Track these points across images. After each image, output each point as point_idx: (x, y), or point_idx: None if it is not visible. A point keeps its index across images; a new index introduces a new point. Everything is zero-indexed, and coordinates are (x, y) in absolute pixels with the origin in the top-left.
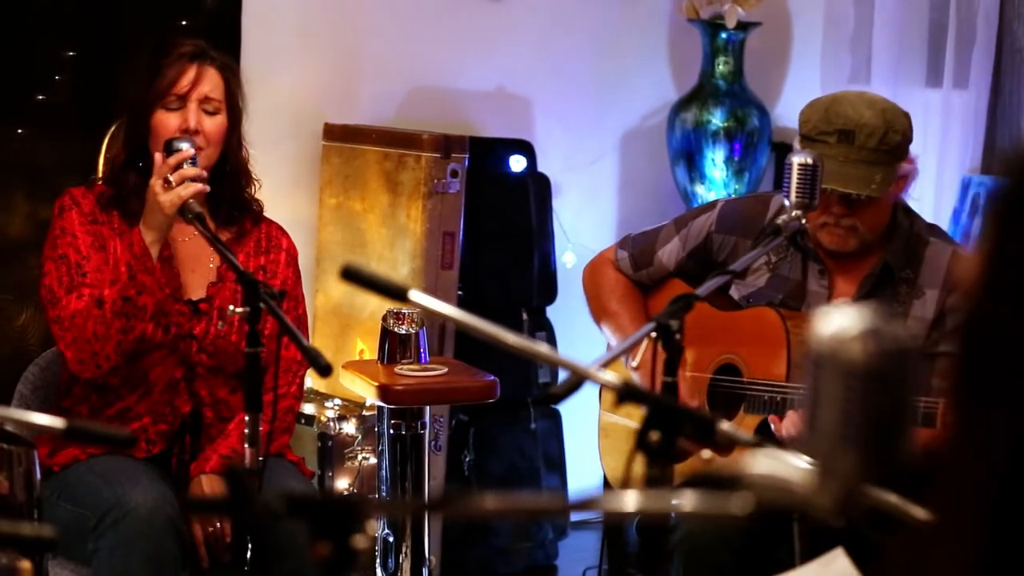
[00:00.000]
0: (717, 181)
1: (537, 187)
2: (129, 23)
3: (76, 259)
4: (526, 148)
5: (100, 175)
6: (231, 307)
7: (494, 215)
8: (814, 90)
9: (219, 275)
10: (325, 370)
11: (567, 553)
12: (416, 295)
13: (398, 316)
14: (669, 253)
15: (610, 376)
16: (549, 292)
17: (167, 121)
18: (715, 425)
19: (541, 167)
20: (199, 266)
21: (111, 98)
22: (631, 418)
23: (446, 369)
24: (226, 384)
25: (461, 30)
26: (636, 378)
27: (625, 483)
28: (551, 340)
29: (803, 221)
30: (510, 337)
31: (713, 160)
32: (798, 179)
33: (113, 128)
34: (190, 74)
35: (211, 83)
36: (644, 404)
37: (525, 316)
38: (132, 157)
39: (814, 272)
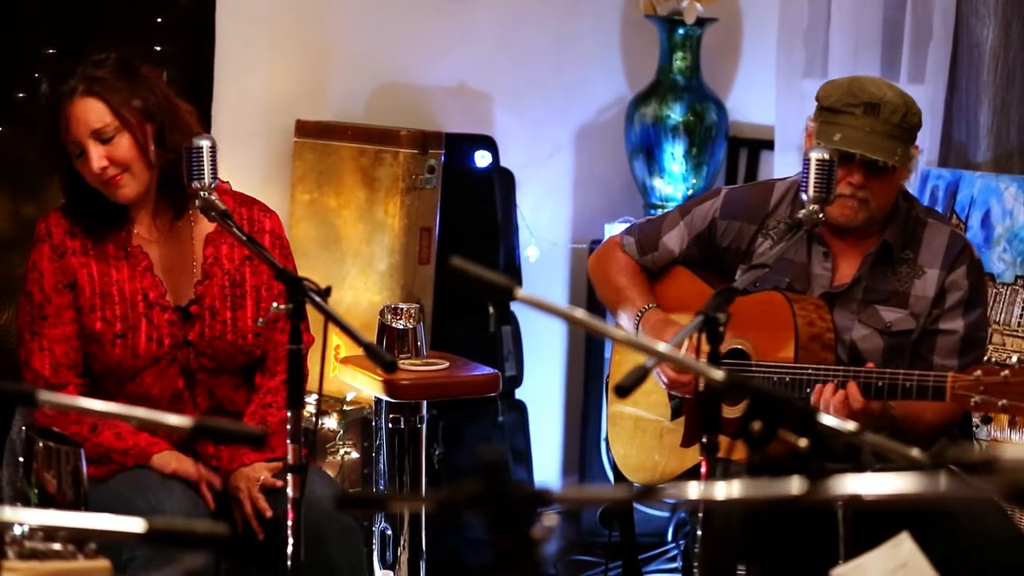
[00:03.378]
0: (676, 175)
1: (502, 182)
2: (108, 20)
3: (40, 299)
4: (490, 144)
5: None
6: (274, 304)
7: (460, 210)
8: (769, 85)
9: (204, 272)
10: (390, 366)
11: None
12: (522, 293)
13: (395, 311)
14: (674, 239)
15: (715, 370)
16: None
17: (84, 170)
18: (815, 415)
19: (502, 162)
20: (185, 268)
21: None
22: (637, 407)
23: (447, 363)
24: (229, 383)
25: (424, 28)
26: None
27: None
28: (516, 333)
29: (821, 215)
30: (619, 333)
31: (672, 154)
32: (816, 174)
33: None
34: (65, 114)
35: (93, 114)
36: (747, 396)
37: (492, 310)
38: (78, 188)
39: (818, 255)
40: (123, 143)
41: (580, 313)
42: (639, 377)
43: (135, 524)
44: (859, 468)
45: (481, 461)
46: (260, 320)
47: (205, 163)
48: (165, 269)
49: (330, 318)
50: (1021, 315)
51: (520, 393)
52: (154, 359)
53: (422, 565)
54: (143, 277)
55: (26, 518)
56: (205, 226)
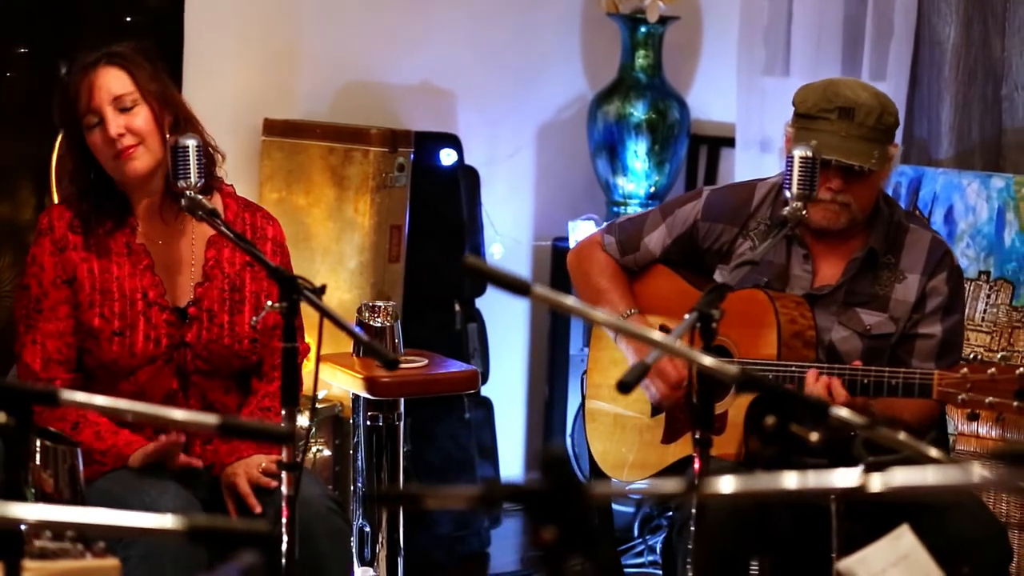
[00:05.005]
0: (639, 172)
1: (467, 180)
2: (78, 19)
3: (37, 293)
4: (455, 142)
5: (59, 196)
6: (268, 302)
7: (426, 208)
8: (730, 83)
9: (205, 274)
10: (392, 364)
11: (498, 541)
12: (540, 289)
13: (373, 309)
14: (655, 240)
15: (728, 366)
16: (479, 284)
17: (97, 141)
18: (828, 409)
19: (466, 160)
20: (185, 268)
21: None
22: (616, 404)
23: (426, 361)
24: (221, 386)
25: (388, 27)
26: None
27: (746, 463)
28: (482, 331)
29: (804, 212)
30: (640, 330)
31: (635, 152)
32: (799, 171)
33: (58, 146)
34: (88, 83)
35: (116, 81)
36: (760, 392)
37: (457, 307)
38: (88, 175)
39: (798, 256)
40: (141, 114)
41: (599, 312)
42: (641, 373)
43: (175, 522)
44: (847, 462)
45: (547, 457)
46: (254, 319)
47: (192, 162)
48: (165, 269)
49: (326, 316)
50: (984, 310)
51: (484, 390)
52: (150, 358)
53: (400, 562)
54: (143, 276)
55: (58, 516)
56: (208, 228)
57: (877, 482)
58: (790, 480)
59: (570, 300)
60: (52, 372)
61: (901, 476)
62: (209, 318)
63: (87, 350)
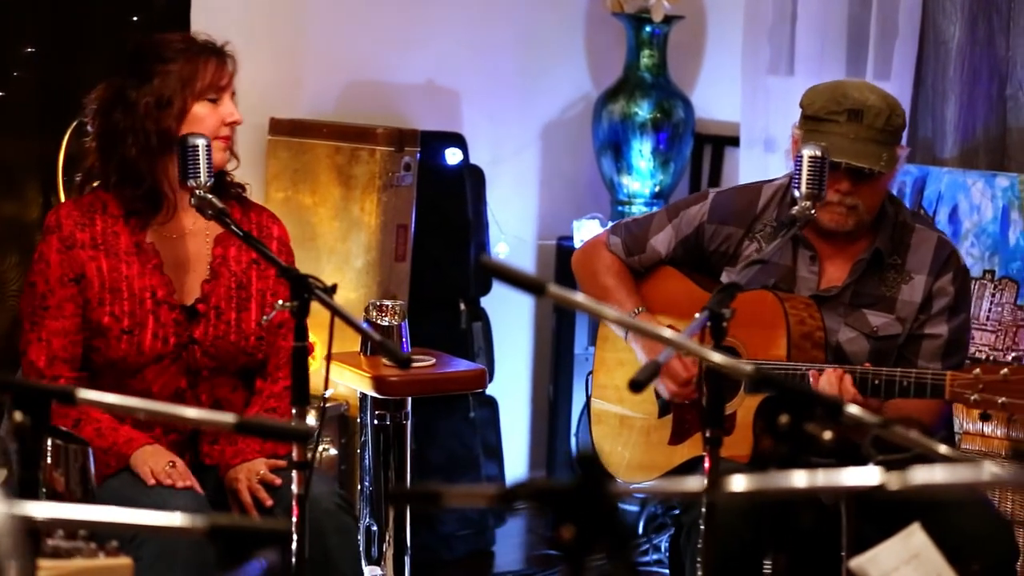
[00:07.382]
0: (644, 172)
1: (472, 179)
2: (84, 19)
3: (43, 290)
4: (460, 141)
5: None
6: (279, 301)
7: (432, 207)
8: (734, 82)
9: (213, 271)
10: (405, 363)
11: (503, 539)
12: (555, 288)
13: (380, 308)
14: (661, 241)
15: (743, 365)
16: (485, 283)
17: (209, 114)
18: (842, 408)
19: (471, 159)
20: (195, 266)
21: (71, 95)
22: (622, 405)
23: (433, 360)
24: (227, 383)
25: (393, 25)
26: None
27: (754, 464)
28: (487, 330)
29: (813, 211)
30: (658, 330)
31: (640, 151)
32: (808, 171)
33: (94, 129)
34: (227, 68)
35: (232, 79)
36: (774, 390)
37: (463, 307)
38: (151, 153)
39: (804, 258)
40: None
41: (610, 311)
42: (652, 372)
43: (195, 520)
44: (854, 461)
45: (580, 456)
46: (264, 318)
47: (201, 161)
48: (174, 267)
49: (338, 315)
50: (989, 309)
51: (489, 389)
52: (157, 357)
53: (407, 561)
54: (152, 275)
55: (76, 514)
56: (216, 225)
57: (897, 481)
58: (805, 479)
59: (583, 298)
60: (57, 370)
61: (920, 474)
62: (216, 315)
63: (95, 348)
